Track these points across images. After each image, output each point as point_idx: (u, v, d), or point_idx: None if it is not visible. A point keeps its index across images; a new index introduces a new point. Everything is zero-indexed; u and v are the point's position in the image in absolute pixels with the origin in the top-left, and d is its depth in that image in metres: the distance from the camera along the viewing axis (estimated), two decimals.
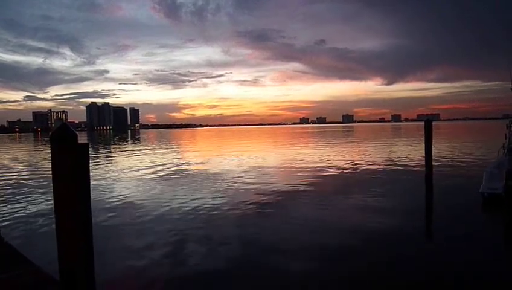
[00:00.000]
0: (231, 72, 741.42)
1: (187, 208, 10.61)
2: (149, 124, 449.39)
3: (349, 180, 15.41)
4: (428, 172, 13.30)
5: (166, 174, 18.04)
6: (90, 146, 4.05)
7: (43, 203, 11.53)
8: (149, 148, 42.32)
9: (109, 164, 24.31)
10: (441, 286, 5.66)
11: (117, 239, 8.03)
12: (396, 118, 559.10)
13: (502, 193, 9.75)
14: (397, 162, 20.57)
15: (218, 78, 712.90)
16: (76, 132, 3.55)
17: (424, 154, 13.68)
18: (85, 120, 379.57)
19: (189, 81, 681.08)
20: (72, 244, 3.42)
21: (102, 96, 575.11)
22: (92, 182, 6.52)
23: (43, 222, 9.33)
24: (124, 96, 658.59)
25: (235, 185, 14.60)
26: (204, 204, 11.07)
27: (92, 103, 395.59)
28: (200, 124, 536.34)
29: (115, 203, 11.49)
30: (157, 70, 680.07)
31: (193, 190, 13.72)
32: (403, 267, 6.35)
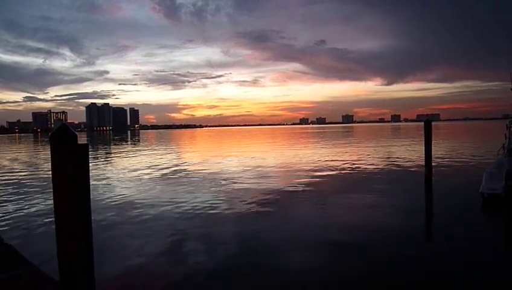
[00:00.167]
0: (231, 73, 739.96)
1: (186, 208, 10.61)
2: (149, 125, 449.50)
3: (348, 181, 15.42)
4: (428, 172, 13.29)
5: (166, 175, 18.04)
6: (90, 147, 4.05)
7: (43, 204, 11.53)
8: (148, 148, 42.34)
9: (109, 164, 24.33)
10: (441, 286, 5.66)
11: (117, 239, 8.04)
12: (396, 118, 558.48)
13: (501, 193, 9.78)
14: (397, 163, 20.58)
15: (218, 79, 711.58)
16: (76, 133, 3.54)
17: (423, 155, 13.69)
18: (85, 121, 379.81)
19: (189, 81, 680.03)
20: (72, 244, 3.42)
21: (102, 96, 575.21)
22: (92, 182, 6.51)
23: (42, 222, 9.32)
24: (123, 96, 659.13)
25: (235, 185, 14.59)
26: (204, 204, 11.07)
27: (91, 103, 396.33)
28: (200, 125, 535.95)
29: (115, 203, 11.48)
30: (157, 71, 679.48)
31: (193, 189, 13.72)
32: (403, 267, 6.35)
